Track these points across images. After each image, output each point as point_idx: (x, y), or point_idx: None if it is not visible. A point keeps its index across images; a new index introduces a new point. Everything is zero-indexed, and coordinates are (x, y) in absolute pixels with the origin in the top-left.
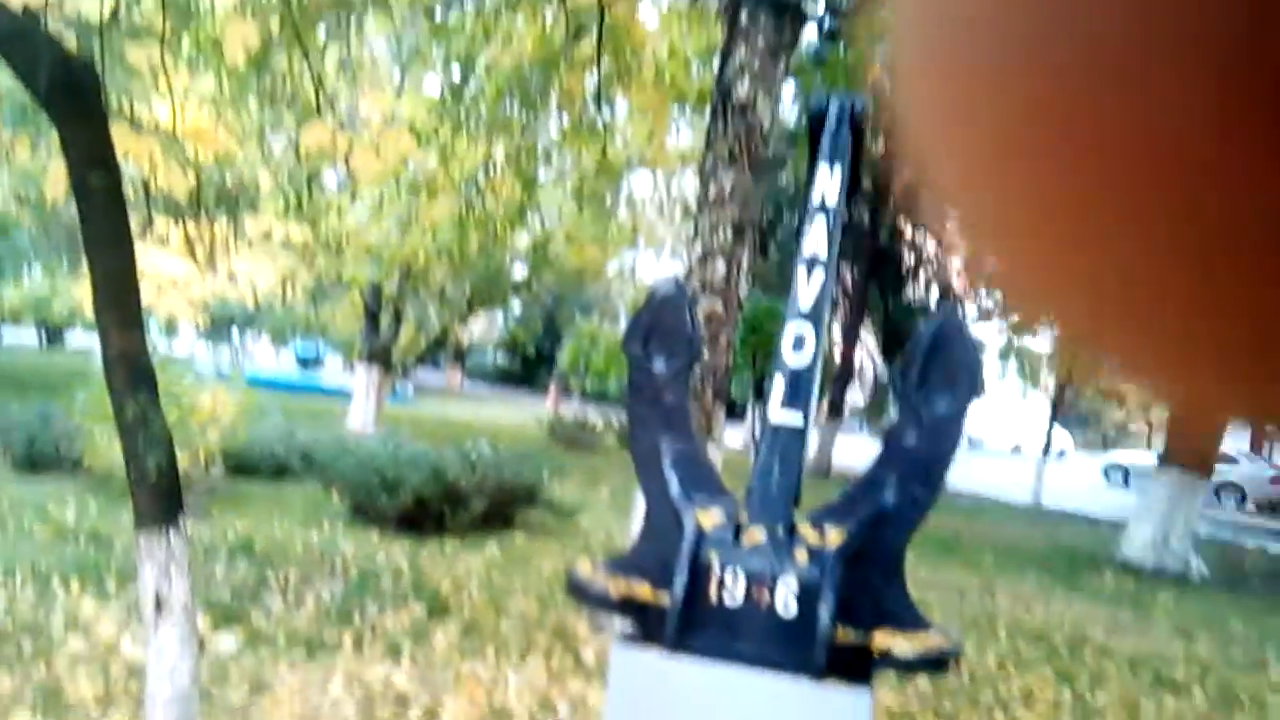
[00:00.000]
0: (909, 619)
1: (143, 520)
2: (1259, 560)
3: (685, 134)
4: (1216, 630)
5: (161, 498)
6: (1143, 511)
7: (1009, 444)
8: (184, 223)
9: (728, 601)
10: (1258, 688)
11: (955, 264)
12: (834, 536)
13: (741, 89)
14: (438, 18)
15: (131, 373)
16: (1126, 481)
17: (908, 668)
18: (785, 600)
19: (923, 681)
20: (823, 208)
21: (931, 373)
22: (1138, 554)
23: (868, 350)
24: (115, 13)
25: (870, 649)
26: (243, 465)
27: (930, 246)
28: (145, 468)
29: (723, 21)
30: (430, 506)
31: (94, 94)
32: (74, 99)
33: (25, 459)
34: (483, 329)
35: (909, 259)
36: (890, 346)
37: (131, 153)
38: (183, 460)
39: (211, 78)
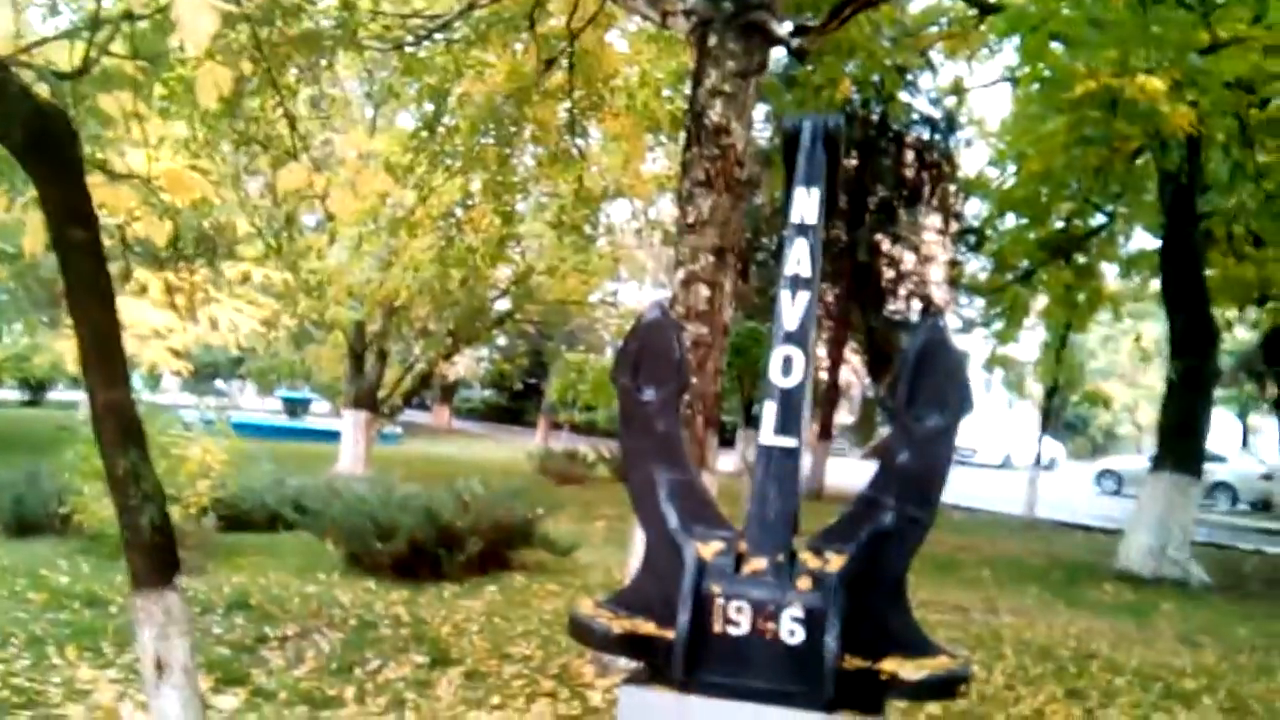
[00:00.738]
0: (916, 643)
1: (139, 582)
2: (1257, 563)
3: (662, 160)
4: (1222, 638)
5: (157, 557)
6: (1138, 519)
7: (999, 456)
8: (163, 271)
9: (733, 633)
10: (1268, 695)
11: (935, 275)
12: (835, 561)
13: (714, 113)
14: (409, 51)
15: (121, 429)
16: (1119, 488)
17: (917, 693)
18: (790, 629)
19: (933, 706)
20: (802, 228)
21: (919, 389)
22: (1136, 563)
23: (853, 369)
24: (86, 61)
25: (879, 676)
26: (235, 516)
27: (909, 259)
28: (139, 525)
29: (692, 45)
30: (426, 550)
31: (70, 145)
32: (50, 151)
33: (14, 521)
34: (468, 365)
35: (889, 274)
36: (876, 364)
37: (108, 204)
38: (175, 514)
39: (184, 123)
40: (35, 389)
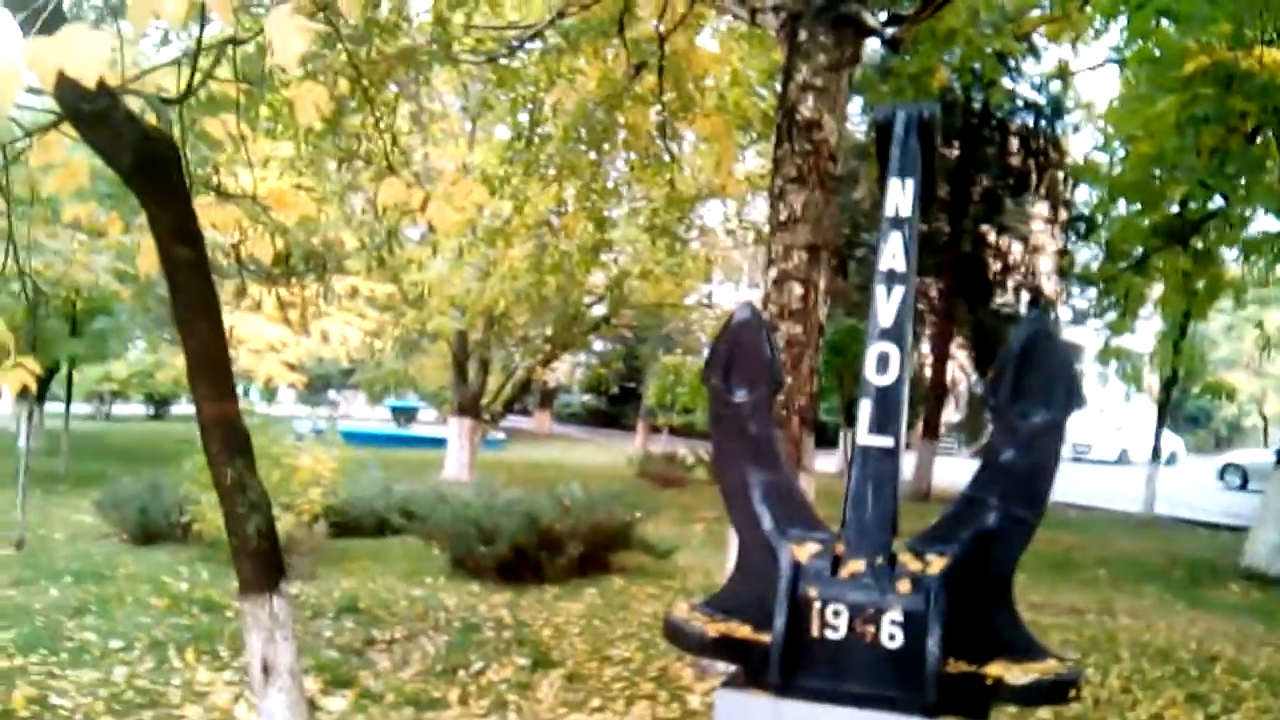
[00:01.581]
0: (1022, 645)
1: (247, 587)
2: None
3: (754, 159)
4: None
5: (263, 563)
6: (1265, 515)
7: (1115, 451)
8: (275, 287)
9: (831, 636)
10: None
11: (1044, 265)
12: (936, 563)
13: (805, 108)
14: (502, 62)
15: (227, 439)
16: (1244, 483)
17: (1024, 698)
18: (890, 632)
19: (1044, 711)
20: (897, 221)
21: (1024, 384)
22: (1263, 561)
23: (959, 365)
24: (191, 86)
25: (984, 680)
26: (345, 522)
27: (1017, 250)
28: (245, 533)
29: (782, 41)
30: (528, 554)
31: (175, 169)
32: (157, 175)
33: (139, 530)
34: (567, 371)
35: (995, 265)
36: (983, 360)
37: (218, 223)
38: (287, 521)
39: (289, 143)
40: (159, 404)
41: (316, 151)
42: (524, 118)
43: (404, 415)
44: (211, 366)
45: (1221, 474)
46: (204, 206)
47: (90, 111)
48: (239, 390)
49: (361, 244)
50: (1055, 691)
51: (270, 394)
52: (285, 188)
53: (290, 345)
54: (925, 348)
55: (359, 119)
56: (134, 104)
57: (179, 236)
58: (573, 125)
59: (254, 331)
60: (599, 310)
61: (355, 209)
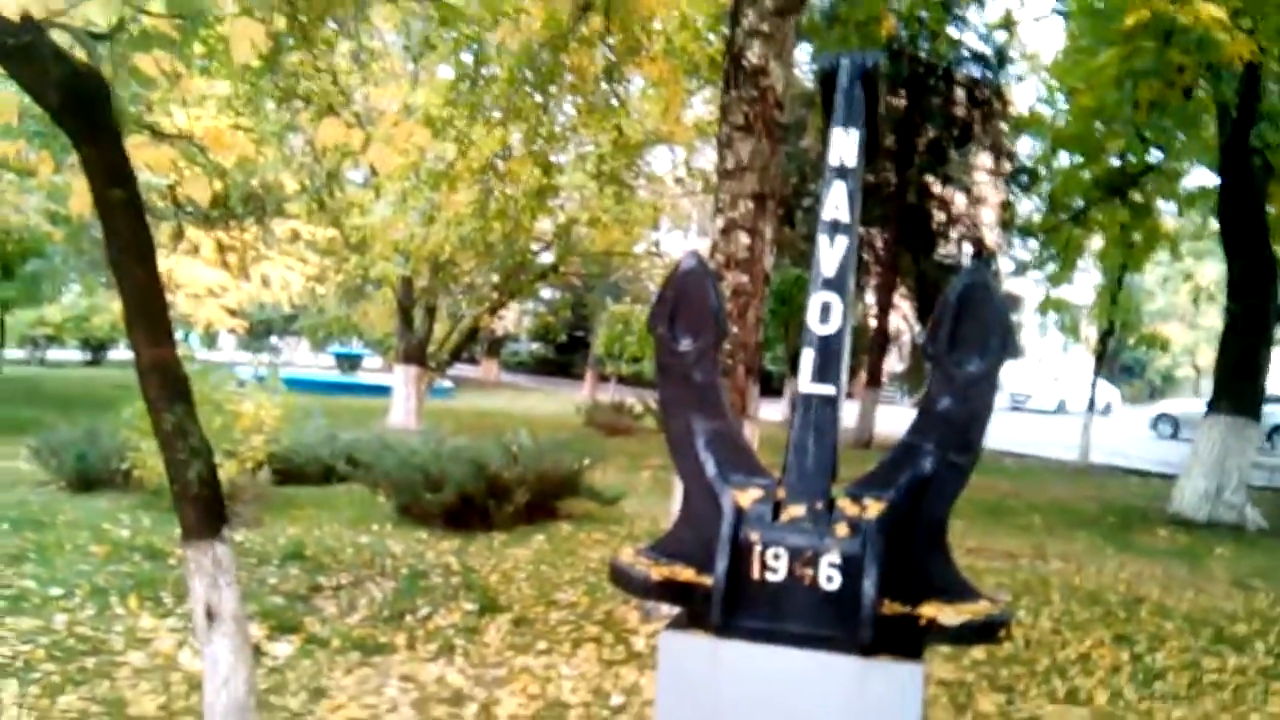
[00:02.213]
0: (955, 587)
1: (189, 533)
2: None
3: (702, 105)
4: (1276, 581)
5: (205, 509)
6: (1194, 463)
7: (1053, 401)
8: (214, 230)
9: (771, 579)
10: None
11: (987, 217)
12: (874, 507)
13: (752, 54)
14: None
15: (166, 386)
16: (1176, 432)
17: (957, 638)
18: (828, 574)
19: (978, 651)
20: (841, 171)
21: (960, 334)
22: (1190, 507)
23: (903, 315)
24: (122, 20)
25: (918, 620)
26: (290, 470)
27: (960, 201)
28: (187, 479)
29: None
30: (475, 501)
31: (106, 107)
32: (87, 113)
33: (77, 477)
34: (515, 319)
35: (939, 216)
36: (926, 310)
37: (152, 163)
38: (230, 468)
39: (225, 81)
40: (96, 349)
41: (254, 90)
42: (467, 58)
43: (348, 362)
44: (148, 311)
45: (1154, 424)
46: (137, 146)
47: (14, 46)
48: (178, 336)
49: (302, 187)
50: (986, 631)
51: (211, 340)
52: (222, 127)
53: (230, 290)
54: (870, 298)
55: (297, 57)
56: (62, 39)
57: (111, 177)
58: (517, 66)
59: (192, 276)
60: (546, 258)
61: (295, 150)
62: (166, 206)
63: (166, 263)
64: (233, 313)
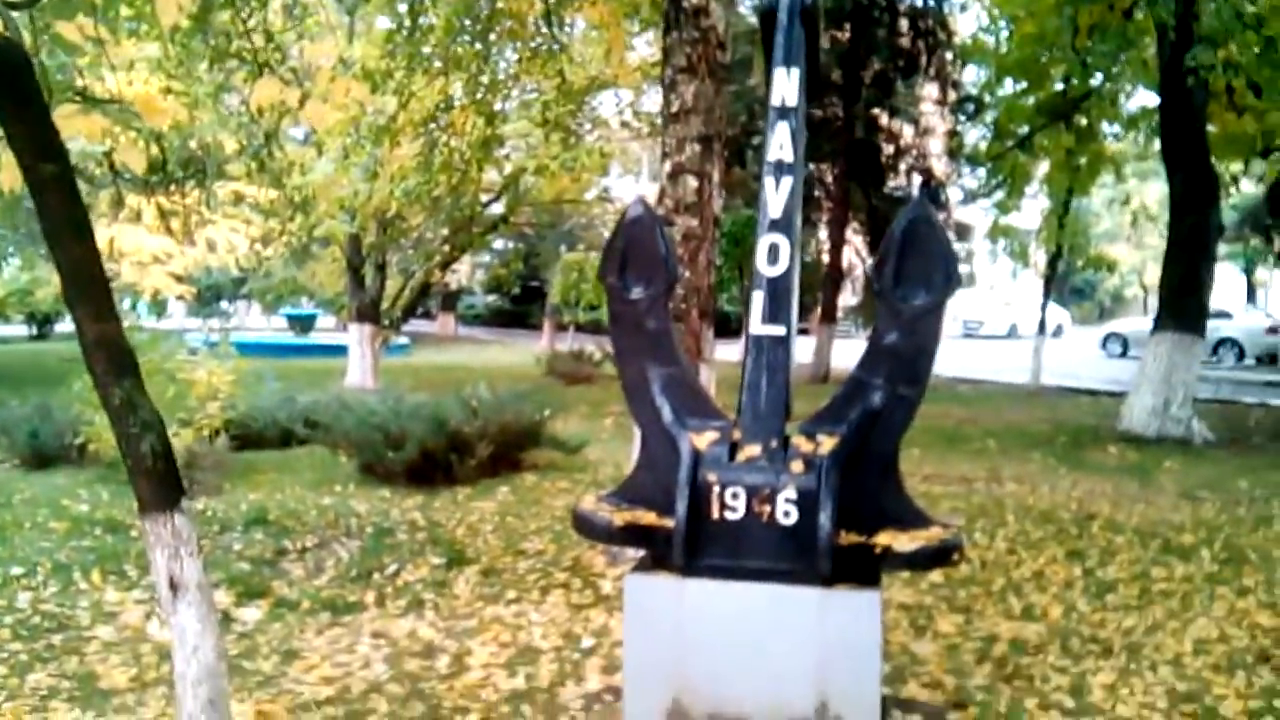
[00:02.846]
0: (909, 516)
1: (146, 506)
2: (1260, 416)
3: (645, 48)
4: (1222, 491)
5: (161, 481)
6: (1142, 380)
7: (1005, 326)
8: (154, 196)
9: (730, 518)
10: (1264, 544)
11: (934, 148)
12: (827, 443)
13: None
14: None
15: (113, 360)
16: (1125, 350)
17: (911, 564)
18: (785, 510)
19: (935, 574)
20: (783, 111)
21: (906, 270)
22: (1139, 424)
23: (855, 250)
24: None
25: (873, 550)
26: (248, 435)
27: (908, 133)
28: (140, 452)
29: None
30: (437, 457)
31: (27, 77)
32: (10, 87)
33: (31, 454)
34: (468, 272)
35: (887, 149)
36: (877, 244)
37: (84, 132)
38: (187, 437)
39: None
40: (41, 323)
41: (185, 52)
42: (403, 7)
43: (301, 324)
44: (88, 287)
45: (1104, 343)
46: (66, 116)
47: None
48: (125, 305)
49: (241, 147)
50: (939, 556)
51: (159, 308)
52: (154, 92)
53: (175, 256)
54: (822, 233)
55: (228, 15)
56: None
57: (40, 152)
58: (455, 15)
59: (135, 243)
60: (496, 209)
61: (232, 110)
62: (104, 174)
63: (108, 231)
64: (179, 279)
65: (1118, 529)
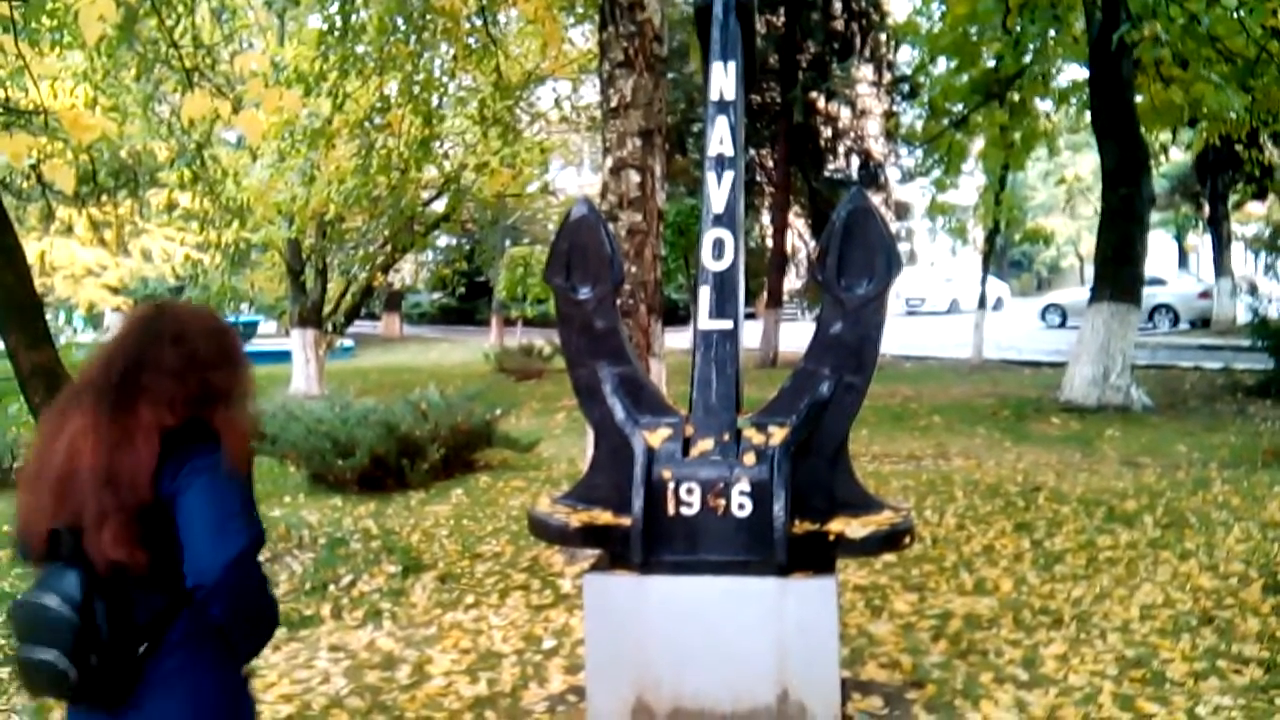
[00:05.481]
0: (860, 502)
1: None
2: (1196, 380)
3: (581, 40)
4: (1162, 457)
5: None
6: (1080, 350)
7: (947, 302)
8: (85, 207)
9: (686, 513)
10: (1204, 508)
11: (872, 129)
12: (778, 434)
13: None
14: None
15: (49, 388)
16: (1064, 321)
17: (864, 549)
18: (740, 502)
19: (889, 554)
20: (722, 105)
21: (848, 260)
22: (1080, 393)
23: (798, 233)
24: None
25: (827, 537)
26: None
27: (846, 115)
28: None
29: None
30: (388, 463)
31: None
32: None
33: None
34: (412, 272)
35: (826, 132)
36: (819, 227)
37: (8, 152)
38: None
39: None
40: None
41: (112, 62)
42: (334, 7)
43: (242, 331)
44: (20, 315)
45: (1043, 314)
46: None
47: None
48: (59, 319)
49: (172, 156)
50: (891, 541)
51: (96, 321)
52: (80, 106)
53: (110, 267)
54: (765, 219)
55: (154, 23)
56: None
57: None
58: (388, 13)
59: (68, 256)
60: (438, 207)
61: (163, 118)
62: (31, 187)
63: (39, 245)
64: (115, 290)
65: (1063, 499)
